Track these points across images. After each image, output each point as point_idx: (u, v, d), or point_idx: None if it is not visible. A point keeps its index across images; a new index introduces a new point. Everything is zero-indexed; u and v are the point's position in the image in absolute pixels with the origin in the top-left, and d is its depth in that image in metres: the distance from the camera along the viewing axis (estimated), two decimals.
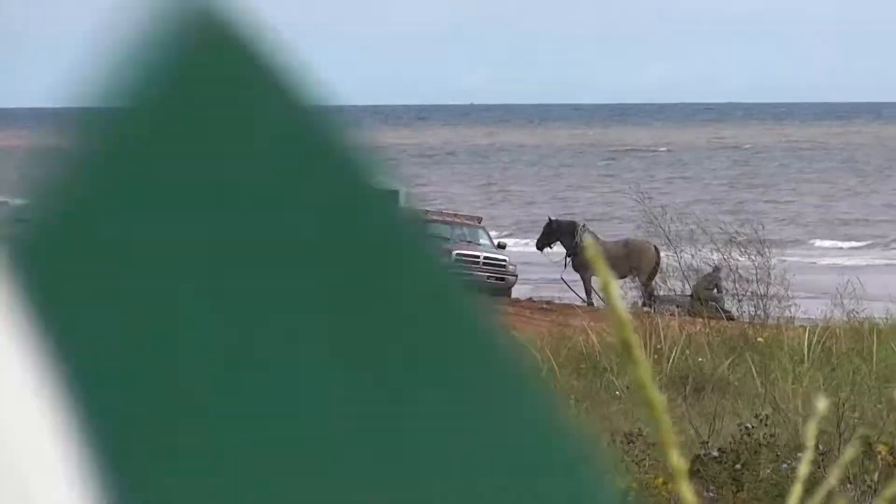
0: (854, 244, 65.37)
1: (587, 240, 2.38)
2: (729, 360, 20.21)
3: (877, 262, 56.13)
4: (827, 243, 65.95)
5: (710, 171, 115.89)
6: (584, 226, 41.76)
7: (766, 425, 13.82)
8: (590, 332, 22.63)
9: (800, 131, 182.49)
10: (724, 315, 28.89)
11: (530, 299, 39.19)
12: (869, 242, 65.97)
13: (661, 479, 12.68)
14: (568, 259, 40.19)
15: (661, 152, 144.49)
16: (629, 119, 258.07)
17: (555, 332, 24.88)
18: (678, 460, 1.73)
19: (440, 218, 41.36)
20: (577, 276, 38.87)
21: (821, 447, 12.41)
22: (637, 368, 1.70)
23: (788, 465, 13.60)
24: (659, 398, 1.70)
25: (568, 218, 47.15)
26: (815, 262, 45.50)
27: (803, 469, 1.99)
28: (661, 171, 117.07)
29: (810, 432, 2.13)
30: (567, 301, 37.82)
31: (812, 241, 62.81)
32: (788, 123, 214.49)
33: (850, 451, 3.34)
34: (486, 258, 41.69)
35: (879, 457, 13.43)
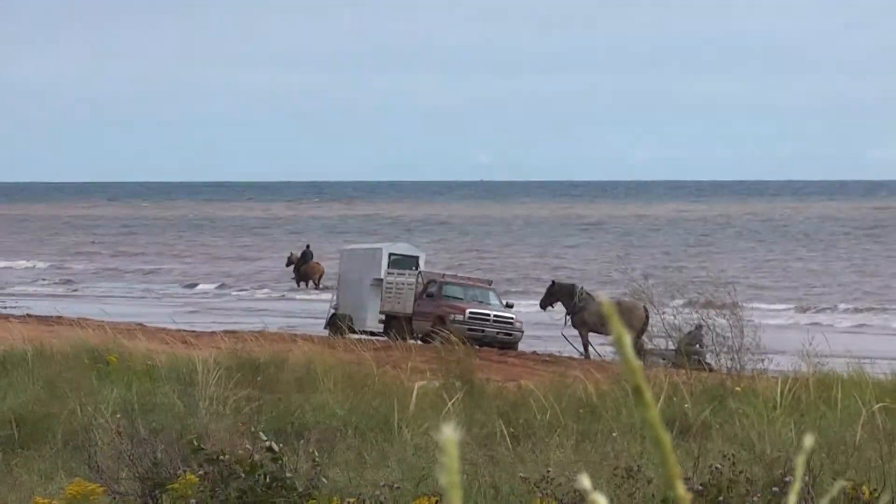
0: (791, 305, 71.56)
1: (602, 297, 2.37)
2: (710, 407, 21.84)
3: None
4: (780, 306, 70.73)
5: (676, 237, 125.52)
6: (581, 288, 44.70)
7: (735, 463, 15.11)
8: (587, 381, 24.35)
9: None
10: (705, 367, 31.26)
11: (534, 352, 43.08)
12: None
13: None
14: (567, 317, 43.38)
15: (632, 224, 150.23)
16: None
17: (556, 381, 26.10)
18: (682, 491, 1.92)
19: (455, 280, 46.08)
20: (576, 333, 42.24)
21: (790, 480, 13.31)
22: (648, 410, 1.87)
23: (762, 496, 14.84)
24: (666, 436, 1.85)
25: (568, 281, 49.41)
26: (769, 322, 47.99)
27: (792, 499, 2.16)
28: (636, 238, 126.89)
29: (799, 465, 2.29)
30: (567, 354, 40.84)
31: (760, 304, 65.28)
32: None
33: (837, 486, 4.29)
34: (495, 316, 45.80)
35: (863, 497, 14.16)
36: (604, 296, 2.19)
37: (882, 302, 73.22)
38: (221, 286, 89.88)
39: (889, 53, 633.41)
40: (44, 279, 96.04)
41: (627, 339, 1.79)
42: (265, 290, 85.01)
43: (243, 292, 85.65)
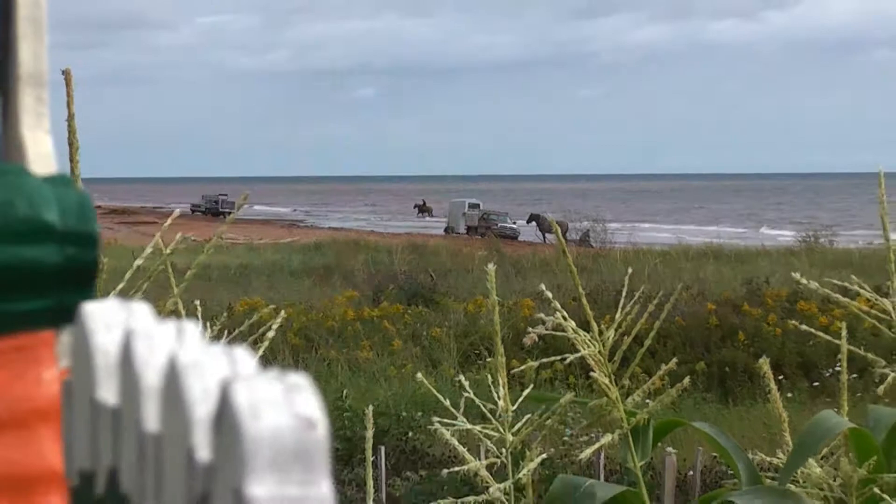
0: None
1: (550, 218, 4.15)
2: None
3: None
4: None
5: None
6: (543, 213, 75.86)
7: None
8: (547, 251, 43.89)
9: None
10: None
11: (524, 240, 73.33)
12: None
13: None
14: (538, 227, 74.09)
15: None
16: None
17: (534, 251, 50.47)
18: (582, 290, 3.25)
19: (491, 212, 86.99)
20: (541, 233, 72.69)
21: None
22: (567, 258, 3.35)
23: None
24: (574, 268, 3.46)
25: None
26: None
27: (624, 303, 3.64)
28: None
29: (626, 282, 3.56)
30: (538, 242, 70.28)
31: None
32: None
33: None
34: (508, 227, 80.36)
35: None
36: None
37: None
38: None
39: None
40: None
41: (560, 233, 3.62)
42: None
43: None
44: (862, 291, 3.57)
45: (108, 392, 0.88)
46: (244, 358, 0.79)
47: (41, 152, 1.34)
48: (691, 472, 11.95)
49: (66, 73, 2.72)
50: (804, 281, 3.65)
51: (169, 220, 3.12)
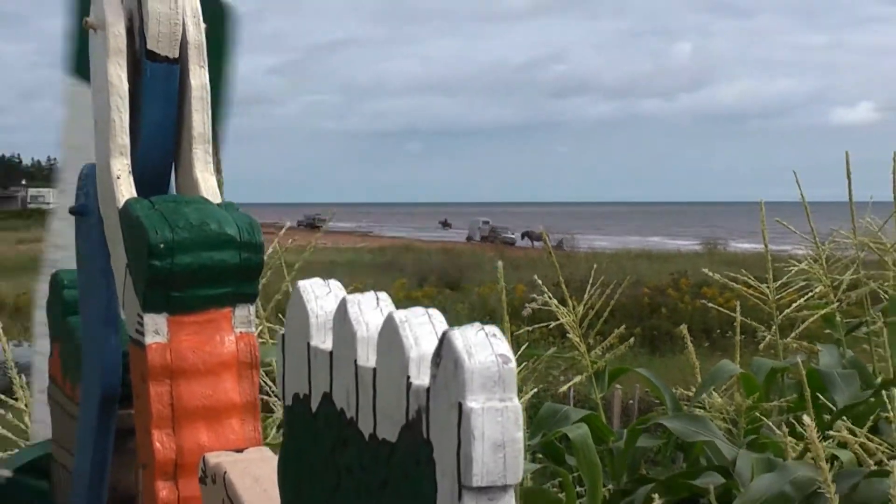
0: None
1: (541, 230, 3.73)
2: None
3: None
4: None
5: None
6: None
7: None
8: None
9: None
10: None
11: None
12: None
13: None
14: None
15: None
16: None
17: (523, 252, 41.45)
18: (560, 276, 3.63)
19: (492, 225, 79.02)
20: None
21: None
22: (552, 257, 3.36)
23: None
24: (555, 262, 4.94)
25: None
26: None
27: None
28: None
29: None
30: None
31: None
32: None
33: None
34: (504, 235, 73.53)
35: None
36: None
37: None
38: None
39: None
40: None
41: (547, 240, 3.80)
42: None
43: None
44: (748, 280, 3.56)
45: (320, 341, 0.89)
46: (438, 317, 0.80)
47: (210, 188, 1.34)
48: (632, 402, 11.92)
49: (217, 148, 2.73)
50: (709, 273, 3.66)
51: (282, 232, 3.13)
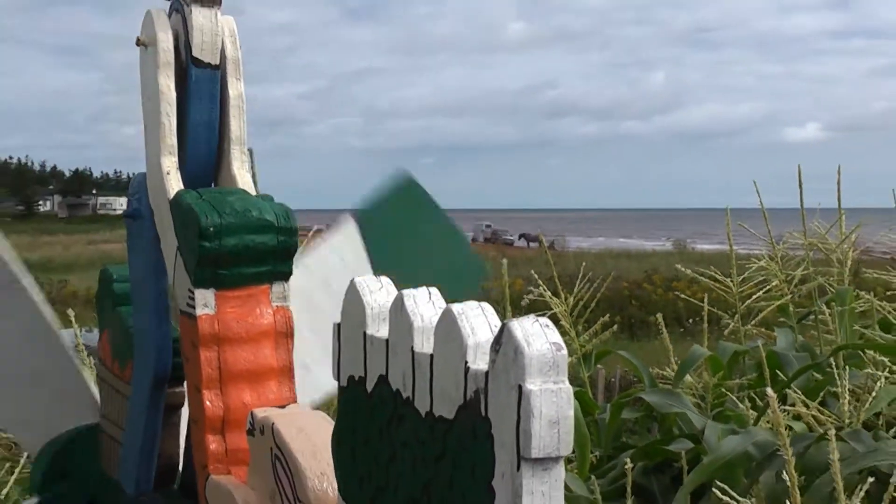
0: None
1: (538, 233, 5.98)
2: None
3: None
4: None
5: None
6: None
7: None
8: None
9: None
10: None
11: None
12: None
13: None
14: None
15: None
16: None
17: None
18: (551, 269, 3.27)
19: (493, 228, 73.27)
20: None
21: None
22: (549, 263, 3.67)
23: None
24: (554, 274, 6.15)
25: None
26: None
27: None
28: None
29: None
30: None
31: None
32: None
33: None
34: (503, 236, 69.45)
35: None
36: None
37: None
38: None
39: None
40: None
41: (543, 241, 3.81)
42: None
43: None
44: (714, 276, 3.55)
45: (376, 329, 0.88)
46: (489, 310, 0.79)
47: (246, 183, 1.36)
48: (613, 380, 12.05)
49: (249, 153, 2.73)
50: (681, 269, 3.65)
51: (310, 234, 3.11)
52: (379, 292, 0.90)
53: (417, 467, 0.81)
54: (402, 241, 1.64)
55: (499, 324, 0.74)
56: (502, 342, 0.72)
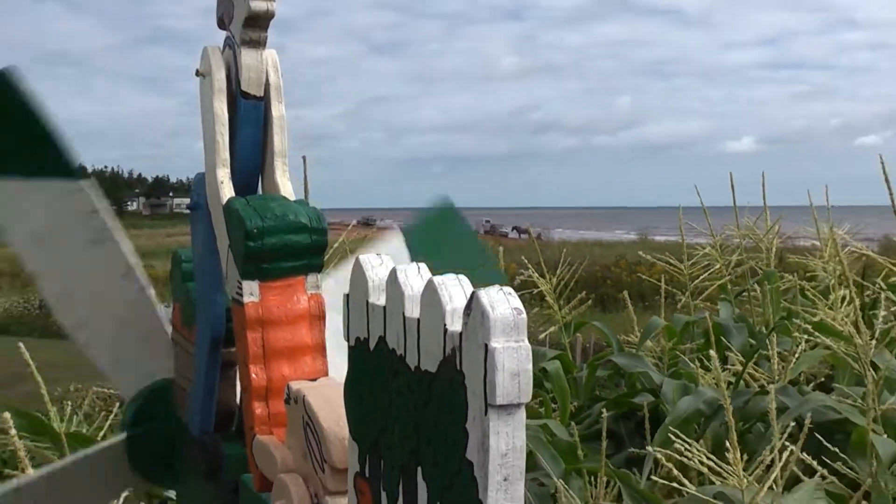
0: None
1: (528, 225, 5.43)
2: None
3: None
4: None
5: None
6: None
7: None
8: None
9: None
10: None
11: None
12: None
13: None
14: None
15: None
16: None
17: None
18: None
19: (493, 222, 68.71)
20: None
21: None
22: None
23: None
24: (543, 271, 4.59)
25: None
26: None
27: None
28: None
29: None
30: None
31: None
32: None
33: None
34: (501, 230, 64.70)
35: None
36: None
37: None
38: None
39: None
40: None
41: (531, 233, 3.67)
42: None
43: None
44: (669, 261, 3.54)
45: (376, 298, 0.86)
46: (465, 281, 0.76)
47: (287, 190, 1.32)
48: (588, 345, 12.03)
49: (304, 159, 2.68)
50: (643, 255, 3.65)
51: (350, 227, 3.09)
52: (380, 267, 0.88)
53: (409, 411, 0.81)
54: (440, 256, 1.57)
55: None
56: (472, 308, 0.70)
